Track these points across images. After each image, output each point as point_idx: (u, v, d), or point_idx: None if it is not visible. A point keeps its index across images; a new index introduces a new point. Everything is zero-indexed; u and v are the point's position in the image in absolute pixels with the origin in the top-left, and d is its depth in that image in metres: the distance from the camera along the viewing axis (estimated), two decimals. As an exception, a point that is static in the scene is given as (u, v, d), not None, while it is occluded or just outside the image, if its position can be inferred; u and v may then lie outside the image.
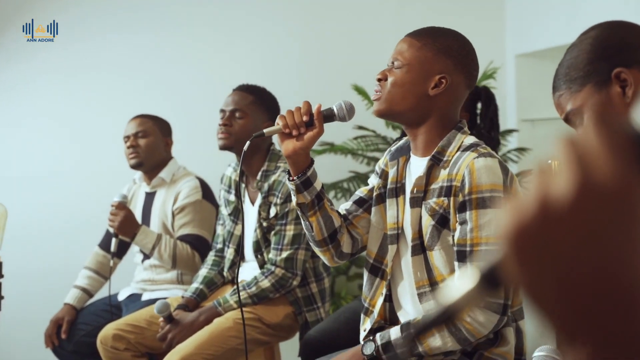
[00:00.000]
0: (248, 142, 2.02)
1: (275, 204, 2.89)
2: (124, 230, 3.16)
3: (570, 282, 0.52)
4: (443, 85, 1.92)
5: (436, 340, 1.84)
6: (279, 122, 1.95)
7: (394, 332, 1.90)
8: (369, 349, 1.92)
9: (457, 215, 1.86)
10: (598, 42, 1.37)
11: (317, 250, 2.11)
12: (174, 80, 4.52)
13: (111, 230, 3.25)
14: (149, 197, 3.46)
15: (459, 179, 1.86)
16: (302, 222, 2.07)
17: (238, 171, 3.06)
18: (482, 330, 1.83)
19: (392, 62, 1.96)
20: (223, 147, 2.97)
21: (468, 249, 1.83)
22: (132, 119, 3.47)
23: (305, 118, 1.94)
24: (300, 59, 4.60)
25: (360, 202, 2.13)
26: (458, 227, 1.86)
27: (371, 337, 1.93)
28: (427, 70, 1.92)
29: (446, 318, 0.65)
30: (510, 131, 4.15)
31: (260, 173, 2.95)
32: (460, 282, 0.63)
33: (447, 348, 1.86)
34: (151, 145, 3.40)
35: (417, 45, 1.94)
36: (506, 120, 4.54)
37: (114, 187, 3.69)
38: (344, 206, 2.15)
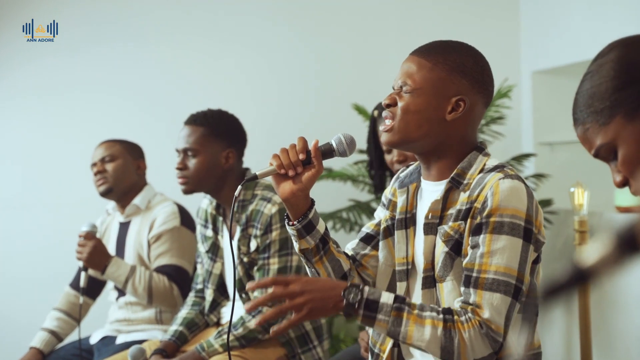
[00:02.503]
0: (240, 188, 1.98)
1: (255, 236, 2.86)
2: (93, 263, 3.11)
3: None
4: (462, 109, 1.89)
5: (425, 333, 1.77)
6: (272, 163, 1.92)
7: (386, 296, 1.79)
8: (354, 297, 1.77)
9: (470, 238, 1.83)
10: (621, 65, 1.34)
11: None
12: (157, 99, 4.51)
13: (80, 263, 3.21)
14: (123, 228, 3.43)
15: (480, 200, 1.82)
16: (308, 270, 2.03)
17: (214, 204, 3.04)
18: (470, 355, 1.78)
19: (401, 86, 1.92)
20: (186, 192, 2.97)
21: (474, 274, 1.80)
22: (98, 145, 3.47)
23: (301, 156, 1.90)
24: (297, 75, 4.59)
25: (367, 240, 2.10)
26: (469, 251, 1.83)
27: (359, 285, 1.80)
28: (442, 94, 1.89)
29: (580, 279, 0.69)
30: (526, 155, 4.13)
31: (236, 204, 2.92)
32: (597, 245, 0.67)
33: (427, 347, 1.78)
34: (119, 169, 3.39)
35: (427, 66, 1.90)
36: (522, 144, 4.52)
37: (86, 219, 3.66)
38: (350, 245, 2.12)
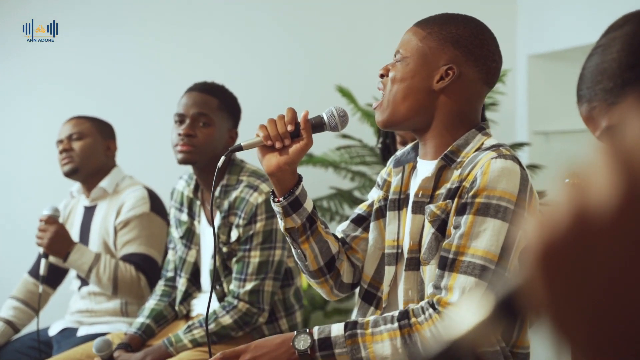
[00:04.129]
0: (223, 158, 1.96)
1: (238, 226, 2.82)
2: (55, 249, 3.08)
3: (611, 303, 0.53)
4: (449, 77, 1.89)
5: (385, 348, 1.80)
6: (259, 134, 1.91)
7: (336, 329, 1.84)
8: (304, 343, 1.84)
9: (454, 218, 1.83)
10: (637, 40, 1.28)
11: (312, 282, 2.07)
12: (123, 80, 4.51)
13: (40, 249, 3.18)
14: (89, 212, 3.39)
15: (469, 179, 1.82)
16: (293, 250, 2.02)
17: (192, 186, 3.00)
18: None
19: (395, 55, 1.96)
20: (185, 162, 2.87)
21: (451, 256, 1.80)
22: (66, 121, 3.43)
23: (290, 128, 1.90)
24: (277, 56, 4.57)
25: (359, 221, 2.09)
26: (452, 232, 1.83)
27: (307, 330, 1.85)
28: (431, 62, 1.91)
29: (452, 355, 0.65)
30: (520, 145, 4.13)
31: (219, 188, 2.89)
32: (470, 312, 0.63)
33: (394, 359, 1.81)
34: (87, 148, 3.34)
35: (421, 35, 1.93)
36: (516, 132, 4.52)
37: (47, 201, 3.63)
38: (340, 227, 2.11)
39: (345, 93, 4.16)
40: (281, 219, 1.97)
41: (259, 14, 4.57)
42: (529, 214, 1.84)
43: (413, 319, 1.80)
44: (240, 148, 1.93)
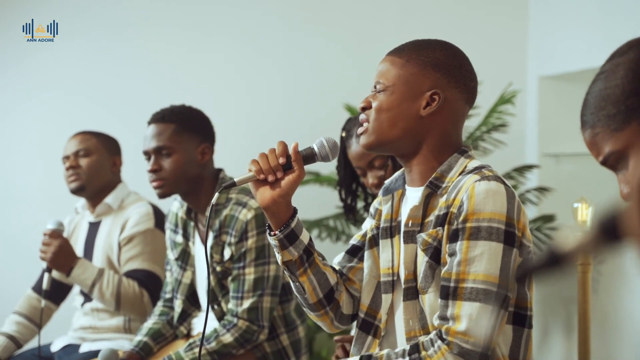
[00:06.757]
0: (217, 195, 2.01)
1: (230, 244, 2.86)
2: (58, 263, 3.10)
3: None
4: (436, 103, 1.93)
5: None
6: (251, 168, 1.95)
7: None
8: None
9: (448, 245, 1.86)
10: None
11: (312, 315, 2.10)
12: (130, 92, 4.53)
13: (43, 264, 3.20)
14: (93, 228, 3.42)
15: (456, 205, 1.86)
16: (292, 284, 2.05)
17: (185, 207, 3.03)
18: None
19: (375, 86, 1.98)
20: (163, 196, 2.95)
21: (452, 284, 1.83)
22: (72, 136, 3.47)
23: (281, 160, 1.94)
24: (286, 72, 4.59)
25: (353, 252, 2.13)
26: (448, 259, 1.86)
27: None
28: (415, 89, 1.94)
29: (555, 262, 0.70)
30: (529, 167, 4.13)
31: (209, 208, 2.92)
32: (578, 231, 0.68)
33: None
34: (94, 165, 3.38)
35: (399, 63, 1.96)
36: (525, 154, 4.53)
37: (49, 214, 3.65)
38: (336, 260, 2.15)
39: (353, 111, 4.18)
40: (278, 253, 2.00)
41: (266, 29, 4.59)
42: (520, 230, 1.86)
43: (423, 353, 1.83)
44: (233, 184, 1.97)
